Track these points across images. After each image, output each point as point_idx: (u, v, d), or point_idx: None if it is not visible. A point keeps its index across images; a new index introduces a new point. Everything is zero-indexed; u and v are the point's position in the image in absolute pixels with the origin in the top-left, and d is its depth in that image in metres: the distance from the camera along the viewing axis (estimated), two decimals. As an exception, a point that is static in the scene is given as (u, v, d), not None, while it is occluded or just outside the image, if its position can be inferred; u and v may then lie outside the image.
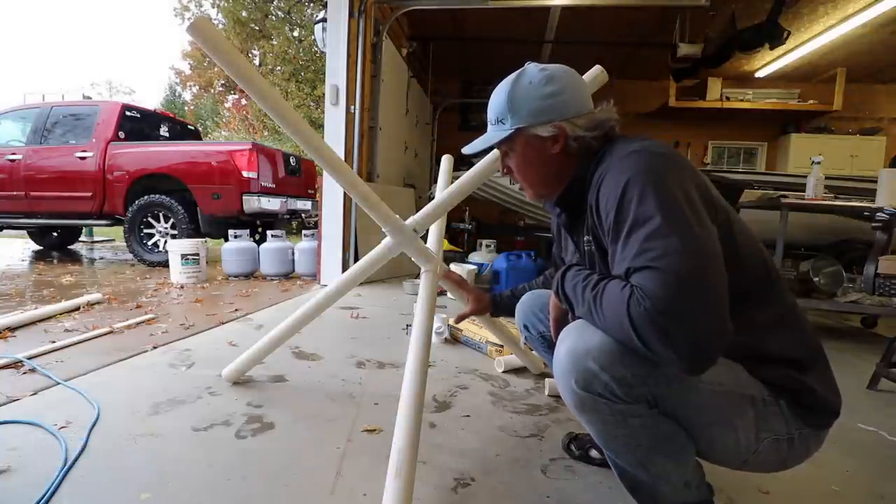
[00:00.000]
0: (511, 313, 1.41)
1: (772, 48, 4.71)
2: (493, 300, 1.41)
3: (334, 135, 3.72)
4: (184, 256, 3.78)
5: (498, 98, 0.93)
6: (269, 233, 4.33)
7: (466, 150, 1.02)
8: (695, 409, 0.79)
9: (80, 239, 7.49)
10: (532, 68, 0.91)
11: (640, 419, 0.78)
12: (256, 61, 13.28)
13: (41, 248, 6.55)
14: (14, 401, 1.46)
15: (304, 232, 4.40)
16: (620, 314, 0.68)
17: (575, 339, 0.78)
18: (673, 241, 0.67)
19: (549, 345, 1.24)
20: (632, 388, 0.75)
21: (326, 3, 3.75)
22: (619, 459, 0.85)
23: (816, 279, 2.68)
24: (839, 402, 0.83)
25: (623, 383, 0.75)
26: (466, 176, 1.55)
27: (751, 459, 0.82)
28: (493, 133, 0.95)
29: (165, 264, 4.06)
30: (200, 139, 6.40)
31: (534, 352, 1.70)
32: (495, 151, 1.49)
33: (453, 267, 3.44)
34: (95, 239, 8.06)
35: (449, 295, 1.44)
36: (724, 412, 0.79)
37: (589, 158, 0.89)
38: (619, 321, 0.69)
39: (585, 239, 0.91)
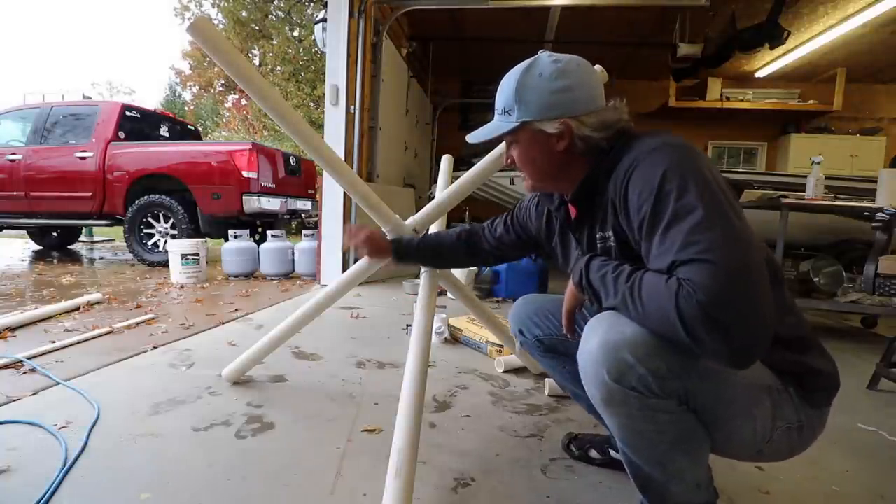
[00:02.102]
0: (416, 260, 1.36)
1: (772, 48, 4.71)
2: (393, 245, 1.33)
3: (334, 135, 3.72)
4: (184, 256, 3.78)
5: (507, 87, 0.90)
6: (269, 233, 4.33)
7: (471, 138, 1.00)
8: (724, 403, 0.78)
9: (80, 239, 7.49)
10: (545, 59, 0.88)
11: (669, 415, 0.77)
12: (256, 61, 13.27)
13: (41, 248, 6.55)
14: (14, 401, 1.46)
15: (304, 232, 4.40)
16: (667, 307, 0.66)
17: (607, 331, 0.76)
18: (718, 233, 0.66)
19: (545, 349, 1.22)
20: (665, 382, 0.74)
21: (326, 3, 3.75)
22: (637, 456, 0.83)
23: (816, 279, 2.68)
24: (837, 372, 0.84)
25: (658, 376, 0.73)
26: (466, 176, 1.55)
27: (765, 449, 0.82)
28: (499, 124, 0.92)
29: (165, 264, 4.06)
30: (200, 139, 6.40)
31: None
32: (496, 150, 1.49)
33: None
34: (95, 239, 8.06)
35: (449, 295, 1.43)
36: (748, 404, 0.79)
37: (602, 156, 0.87)
38: (664, 314, 0.67)
39: (600, 235, 0.89)
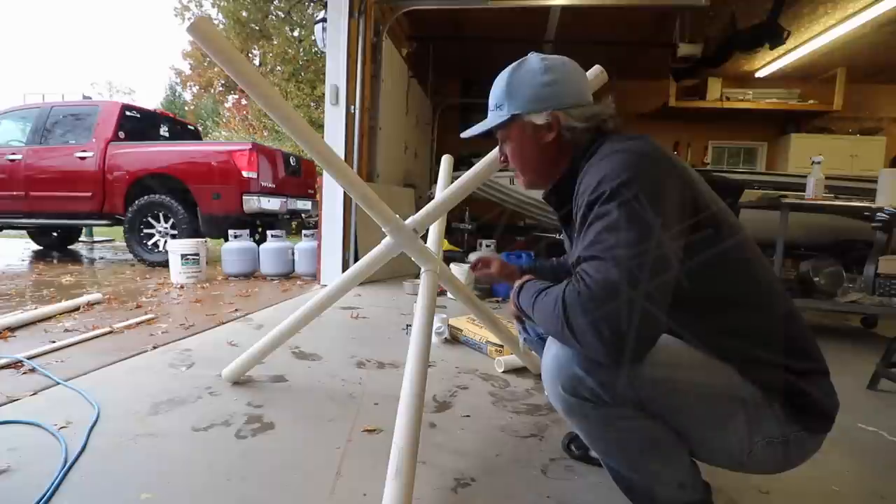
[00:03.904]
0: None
1: (772, 48, 4.71)
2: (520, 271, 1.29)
3: (334, 135, 3.72)
4: (184, 256, 3.78)
5: (498, 85, 0.95)
6: (269, 233, 4.33)
7: (465, 134, 1.04)
8: (682, 412, 0.79)
9: (80, 239, 7.49)
10: (533, 57, 0.93)
11: (628, 422, 0.78)
12: (256, 61, 13.27)
13: (41, 248, 6.54)
14: (14, 401, 1.46)
15: (304, 232, 4.41)
16: (557, 301, 0.71)
17: (561, 345, 0.79)
18: (625, 235, 0.69)
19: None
20: (617, 392, 0.75)
21: (326, 3, 3.75)
22: (611, 461, 0.86)
23: (816, 279, 2.68)
24: (835, 407, 0.82)
25: (608, 387, 0.75)
26: (466, 176, 1.54)
27: (746, 461, 0.82)
28: (491, 118, 0.97)
29: (165, 264, 4.06)
30: (200, 139, 6.40)
31: (533, 352, 1.70)
32: (496, 150, 1.50)
33: (453, 267, 3.44)
34: (95, 239, 8.06)
35: (449, 295, 1.43)
36: (712, 414, 0.79)
37: (582, 152, 0.89)
38: (553, 308, 0.71)
39: (577, 235, 0.92)
